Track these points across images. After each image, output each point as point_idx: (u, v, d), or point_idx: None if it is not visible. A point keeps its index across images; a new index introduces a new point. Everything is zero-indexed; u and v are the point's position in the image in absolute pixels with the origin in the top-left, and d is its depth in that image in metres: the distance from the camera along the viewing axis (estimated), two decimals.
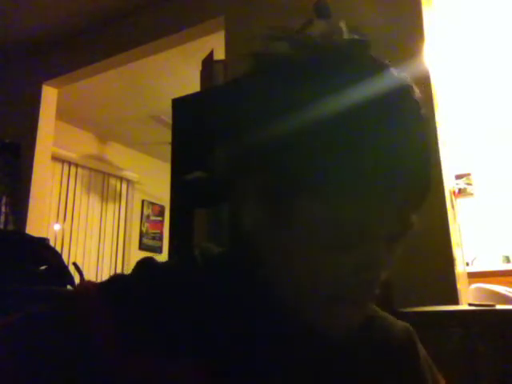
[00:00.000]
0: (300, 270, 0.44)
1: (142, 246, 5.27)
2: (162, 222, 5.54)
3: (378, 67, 0.45)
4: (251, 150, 0.45)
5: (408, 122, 0.42)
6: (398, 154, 0.40)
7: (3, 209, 3.09)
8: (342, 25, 0.47)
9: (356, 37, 0.47)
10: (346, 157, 0.39)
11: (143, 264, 0.52)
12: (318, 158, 0.40)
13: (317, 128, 0.40)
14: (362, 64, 0.44)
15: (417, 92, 0.45)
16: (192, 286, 0.49)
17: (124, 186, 5.25)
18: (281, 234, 0.45)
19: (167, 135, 2.76)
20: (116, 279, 0.50)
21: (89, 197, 4.86)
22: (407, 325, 0.58)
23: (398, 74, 0.46)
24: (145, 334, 0.45)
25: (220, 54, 2.38)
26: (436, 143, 1.93)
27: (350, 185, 0.40)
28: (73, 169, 4.73)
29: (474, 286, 2.25)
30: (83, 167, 4.83)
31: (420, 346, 0.57)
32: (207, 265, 0.51)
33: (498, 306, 1.32)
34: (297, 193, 0.42)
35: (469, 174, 4.38)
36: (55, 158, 4.27)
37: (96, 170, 4.95)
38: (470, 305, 1.37)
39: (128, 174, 5.20)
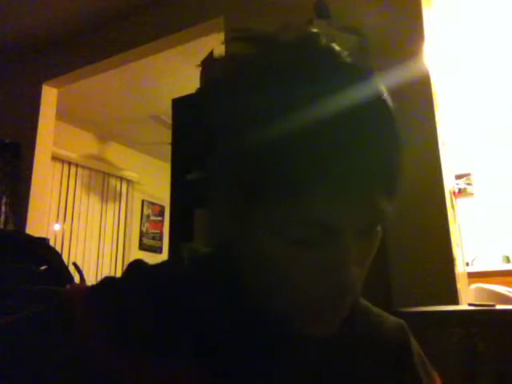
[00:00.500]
0: (271, 273, 0.44)
1: (142, 246, 5.27)
2: (161, 222, 5.54)
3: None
4: (217, 160, 0.45)
5: (367, 120, 0.42)
6: (354, 150, 0.40)
7: (3, 209, 3.09)
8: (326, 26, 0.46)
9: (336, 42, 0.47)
10: (304, 156, 0.39)
11: (132, 266, 0.52)
12: (277, 160, 0.40)
13: (280, 132, 0.40)
14: (316, 66, 0.43)
15: (379, 89, 0.45)
16: (180, 287, 0.49)
17: (124, 186, 5.25)
18: (249, 238, 0.45)
19: (167, 135, 2.77)
20: (106, 282, 0.51)
21: (89, 197, 4.86)
22: (401, 321, 0.58)
23: (367, 78, 0.45)
24: (136, 335, 0.45)
25: (220, 54, 2.38)
26: (436, 143, 1.94)
27: (309, 183, 0.39)
28: (73, 169, 4.73)
29: (473, 286, 2.25)
30: (83, 167, 4.83)
31: (413, 342, 0.57)
32: (195, 266, 0.51)
33: (498, 306, 1.32)
34: (259, 196, 0.42)
35: (469, 174, 4.38)
36: (55, 158, 4.27)
37: (96, 170, 4.95)
38: (469, 305, 1.37)
39: (128, 173, 5.20)
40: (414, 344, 0.57)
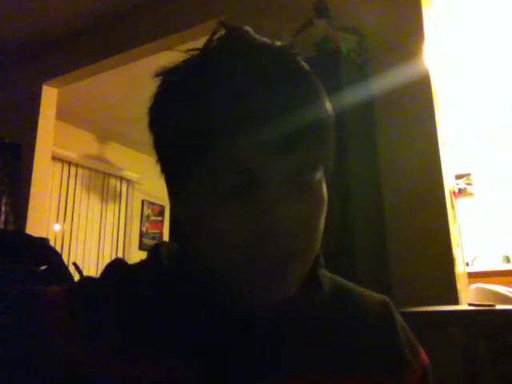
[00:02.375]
0: (207, 235, 0.45)
1: (142, 246, 5.27)
2: (161, 221, 5.54)
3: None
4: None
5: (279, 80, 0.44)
6: (271, 104, 0.42)
7: (3, 209, 3.09)
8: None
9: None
10: (230, 109, 0.43)
11: (111, 266, 0.53)
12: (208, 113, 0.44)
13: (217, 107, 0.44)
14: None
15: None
16: (157, 284, 0.50)
17: (124, 186, 5.25)
18: (187, 206, 0.47)
19: None
20: (84, 282, 0.51)
21: (89, 197, 4.86)
22: (384, 297, 0.57)
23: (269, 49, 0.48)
24: (113, 335, 0.46)
25: None
26: (436, 143, 1.94)
27: (233, 131, 0.42)
28: (73, 169, 4.73)
29: (474, 285, 2.25)
30: (83, 167, 4.83)
31: (398, 318, 0.56)
32: (170, 263, 0.52)
33: (498, 306, 1.32)
34: (193, 152, 0.45)
35: (469, 174, 4.38)
36: (55, 158, 4.27)
37: (96, 170, 4.95)
38: (469, 305, 1.37)
39: (128, 173, 5.20)
40: (399, 320, 0.56)
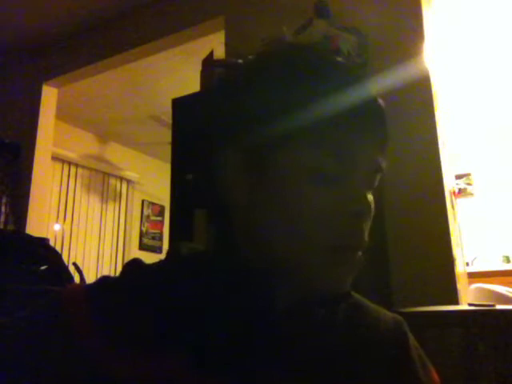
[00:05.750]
0: (290, 219, 0.46)
1: (142, 246, 5.27)
2: (162, 221, 5.54)
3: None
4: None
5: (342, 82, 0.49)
6: (355, 101, 0.47)
7: (3, 209, 3.09)
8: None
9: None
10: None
11: (130, 266, 0.52)
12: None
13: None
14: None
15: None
16: (177, 285, 0.49)
17: (124, 186, 5.25)
18: (267, 186, 0.48)
19: (167, 135, 2.76)
20: (103, 281, 0.51)
21: (89, 197, 4.86)
22: (398, 316, 0.58)
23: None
24: (135, 334, 0.46)
25: (220, 54, 2.38)
26: (436, 143, 1.93)
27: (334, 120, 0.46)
28: (73, 169, 4.73)
29: (473, 286, 2.25)
30: (83, 167, 4.83)
31: (411, 336, 0.57)
32: (192, 264, 0.52)
33: (498, 306, 1.32)
34: (275, 147, 0.47)
35: (469, 174, 4.37)
36: (55, 158, 4.27)
37: (96, 170, 4.95)
38: (469, 305, 1.37)
39: (128, 174, 5.20)
40: (411, 339, 0.56)
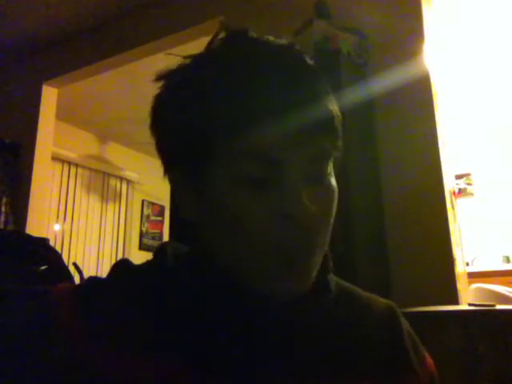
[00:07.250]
0: (231, 224, 0.46)
1: (142, 246, 5.27)
2: (161, 221, 5.54)
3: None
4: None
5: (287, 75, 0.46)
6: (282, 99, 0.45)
7: (3, 209, 3.09)
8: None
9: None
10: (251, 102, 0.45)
11: (118, 266, 0.53)
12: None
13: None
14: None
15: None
16: (164, 285, 0.50)
17: (124, 186, 5.25)
18: (208, 196, 0.47)
19: None
20: (91, 282, 0.51)
21: (89, 197, 4.86)
22: (390, 302, 0.58)
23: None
24: (123, 334, 0.46)
25: None
26: (436, 143, 1.93)
27: (256, 121, 0.44)
28: (73, 169, 4.73)
29: (474, 285, 2.25)
30: (83, 167, 4.83)
31: (404, 323, 0.57)
32: (177, 263, 0.52)
33: (498, 306, 1.32)
34: (214, 145, 0.46)
35: (469, 174, 4.37)
36: (55, 158, 4.27)
37: (96, 170, 4.95)
38: (469, 305, 1.37)
39: (128, 173, 5.20)
40: (405, 325, 0.56)
